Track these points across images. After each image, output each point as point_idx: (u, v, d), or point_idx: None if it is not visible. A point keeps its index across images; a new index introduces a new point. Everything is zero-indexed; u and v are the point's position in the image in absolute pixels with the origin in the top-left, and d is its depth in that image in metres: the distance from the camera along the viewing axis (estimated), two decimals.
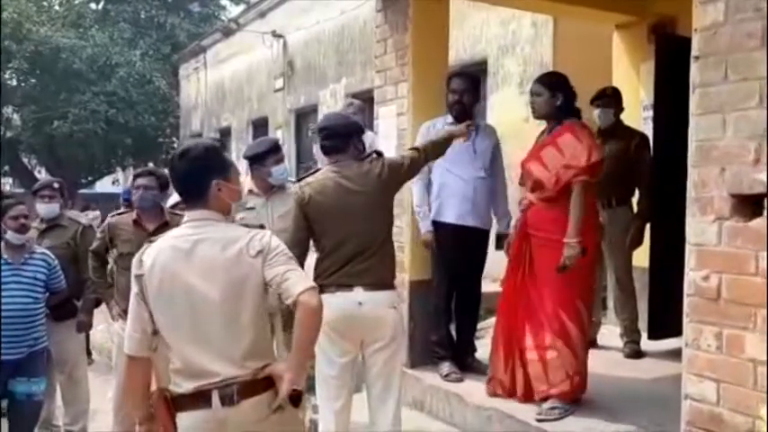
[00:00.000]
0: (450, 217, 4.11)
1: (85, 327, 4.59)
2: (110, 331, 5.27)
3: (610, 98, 4.64)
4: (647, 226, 4.50)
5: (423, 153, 3.38)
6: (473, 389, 3.91)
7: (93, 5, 21.30)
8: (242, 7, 18.27)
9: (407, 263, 4.32)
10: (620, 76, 5.47)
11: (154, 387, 2.36)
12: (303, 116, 11.72)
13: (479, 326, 4.71)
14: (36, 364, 3.98)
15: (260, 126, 13.04)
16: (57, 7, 19.96)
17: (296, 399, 2.20)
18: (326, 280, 3.15)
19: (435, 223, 4.15)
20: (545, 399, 3.50)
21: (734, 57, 2.42)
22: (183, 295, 2.21)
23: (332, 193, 3.18)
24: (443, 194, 4.12)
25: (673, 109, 3.60)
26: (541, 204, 3.58)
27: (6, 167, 19.99)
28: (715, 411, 2.49)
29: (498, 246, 4.22)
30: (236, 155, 10.79)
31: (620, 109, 4.67)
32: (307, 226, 3.23)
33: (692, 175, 2.56)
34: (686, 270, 2.59)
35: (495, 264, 4.30)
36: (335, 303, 3.09)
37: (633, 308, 4.66)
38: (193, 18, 21.36)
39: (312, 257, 3.31)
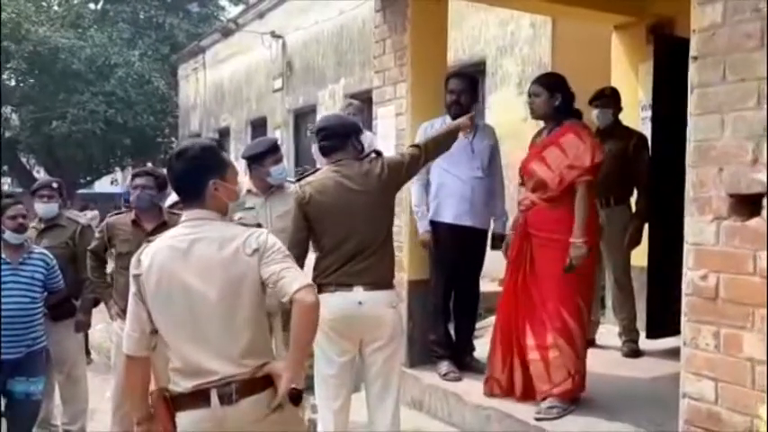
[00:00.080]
0: (447, 217, 4.11)
1: (84, 326, 4.59)
2: (108, 331, 5.28)
3: (608, 98, 4.65)
4: (646, 225, 4.51)
5: (424, 150, 3.35)
6: (472, 388, 3.91)
7: (91, 6, 21.32)
8: (241, 8, 18.29)
9: (406, 262, 4.33)
10: (619, 77, 5.48)
11: (153, 387, 2.37)
12: (302, 116, 11.73)
13: (478, 325, 4.72)
14: (34, 364, 3.98)
15: (259, 126, 13.04)
16: (55, 7, 19.98)
17: (296, 397, 2.21)
18: (326, 279, 3.15)
19: (433, 223, 4.16)
20: (545, 398, 3.51)
21: (732, 57, 2.42)
22: (180, 294, 2.22)
23: (332, 192, 3.18)
24: (441, 194, 4.13)
25: (671, 109, 3.60)
26: (544, 204, 3.58)
27: (5, 167, 19.98)
28: (713, 410, 2.49)
29: (494, 246, 4.23)
30: (235, 155, 10.78)
31: (618, 109, 4.68)
32: (307, 226, 3.23)
33: (691, 175, 2.57)
34: (684, 269, 2.59)
35: (494, 263, 4.30)
36: (335, 303, 3.10)
37: (631, 307, 4.67)
38: (192, 18, 21.39)
39: (312, 257, 3.31)
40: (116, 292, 4.08)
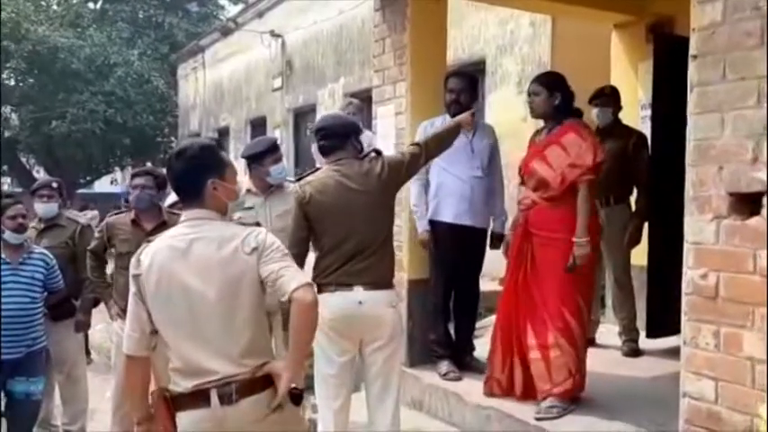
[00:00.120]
0: (447, 216, 4.11)
1: (84, 326, 4.59)
2: (108, 331, 5.28)
3: (608, 97, 4.65)
4: (646, 224, 4.51)
5: (424, 148, 3.34)
6: (472, 388, 3.91)
7: (91, 5, 21.31)
8: (240, 7, 18.30)
9: (406, 262, 4.33)
10: (619, 76, 5.47)
11: (153, 387, 2.37)
12: (301, 116, 11.73)
13: (478, 325, 4.71)
14: (34, 364, 3.98)
15: (258, 126, 13.04)
16: (55, 7, 19.95)
17: (297, 397, 2.21)
18: (326, 279, 3.15)
19: (433, 222, 4.15)
20: (546, 398, 3.51)
21: (732, 56, 2.42)
22: (180, 294, 2.22)
23: (333, 191, 3.17)
24: (441, 194, 4.13)
25: (671, 108, 3.60)
26: (544, 203, 3.58)
27: (5, 167, 19.98)
28: (713, 410, 2.49)
29: (493, 245, 4.23)
30: (235, 154, 10.78)
31: (618, 108, 4.68)
32: (307, 225, 3.23)
33: (690, 174, 2.57)
34: (684, 268, 2.59)
35: (494, 263, 4.30)
36: (335, 302, 3.10)
37: (631, 306, 4.67)
38: (192, 18, 21.38)
39: (312, 256, 3.31)
40: (116, 292, 4.08)
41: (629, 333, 4.63)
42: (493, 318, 4.28)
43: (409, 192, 4.17)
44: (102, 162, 20.98)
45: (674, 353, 3.35)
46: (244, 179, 3.98)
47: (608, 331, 4.91)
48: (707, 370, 2.51)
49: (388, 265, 3.24)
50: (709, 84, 2.49)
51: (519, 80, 6.91)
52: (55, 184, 4.72)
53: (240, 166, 3.97)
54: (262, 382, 2.22)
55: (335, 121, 3.46)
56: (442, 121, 4.03)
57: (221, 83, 14.69)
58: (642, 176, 4.50)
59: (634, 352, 4.56)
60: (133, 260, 2.31)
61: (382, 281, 3.19)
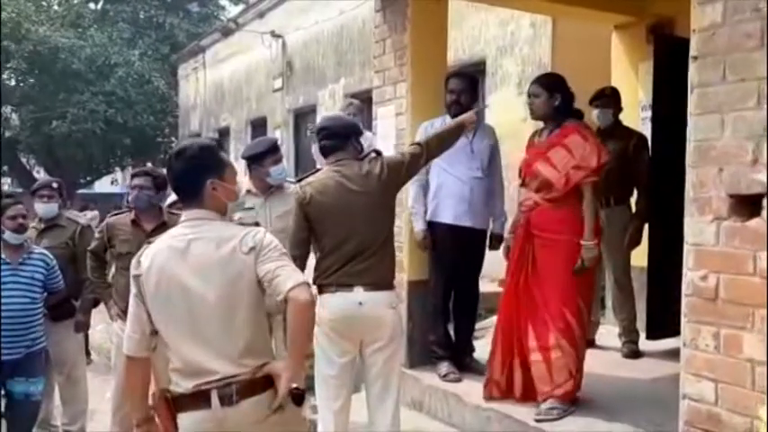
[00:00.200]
0: (446, 217, 4.11)
1: (83, 327, 4.59)
2: (108, 331, 5.28)
3: (608, 98, 4.65)
4: (646, 226, 4.51)
5: (426, 148, 3.33)
6: (471, 389, 3.91)
7: (91, 5, 21.32)
8: (241, 7, 18.28)
9: (406, 263, 4.33)
10: (619, 77, 5.47)
11: (153, 388, 2.36)
12: (302, 116, 11.73)
13: (478, 326, 4.71)
14: (34, 365, 3.98)
15: (258, 126, 13.04)
16: (55, 7, 19.96)
17: (298, 397, 2.21)
18: (326, 279, 3.16)
19: (432, 223, 4.15)
20: (546, 399, 3.50)
21: (732, 57, 2.42)
22: (179, 295, 2.22)
23: (333, 192, 3.17)
24: (440, 195, 4.12)
25: (671, 109, 3.60)
26: (547, 205, 3.58)
27: (5, 167, 19.98)
28: (713, 411, 2.49)
29: (492, 246, 4.23)
30: (235, 155, 10.78)
31: (618, 109, 4.68)
32: (307, 226, 3.23)
33: (691, 176, 2.56)
34: (684, 270, 2.59)
35: (494, 264, 4.30)
36: (335, 303, 3.10)
37: (631, 308, 4.67)
38: (192, 18, 21.38)
39: (313, 258, 3.31)
40: (116, 293, 4.08)
41: (629, 334, 4.63)
42: (493, 319, 4.28)
43: (408, 192, 4.17)
44: (103, 162, 20.99)
45: (673, 354, 3.34)
46: (244, 180, 3.98)
47: (608, 332, 4.90)
48: (707, 371, 2.51)
49: (388, 265, 3.24)
50: (710, 85, 2.49)
51: (519, 81, 6.91)
52: (55, 185, 4.72)
53: (240, 166, 3.97)
54: (262, 382, 2.22)
55: (337, 121, 3.46)
56: (442, 122, 4.03)
57: (222, 83, 14.70)
58: (642, 178, 4.49)
59: (634, 353, 4.56)
60: (134, 261, 2.31)
61: (383, 282, 3.19)
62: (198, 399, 2.20)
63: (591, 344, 4.37)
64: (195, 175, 2.28)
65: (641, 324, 4.63)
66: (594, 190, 3.54)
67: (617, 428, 3.36)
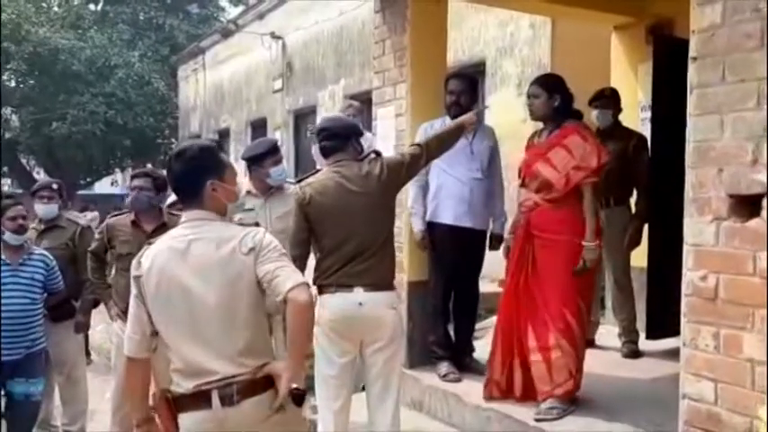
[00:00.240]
0: (446, 218, 4.11)
1: (83, 327, 4.59)
2: (108, 332, 5.28)
3: (608, 99, 4.65)
4: (645, 226, 4.51)
5: (426, 149, 3.33)
6: (471, 389, 3.91)
7: (91, 7, 21.33)
8: (241, 8, 18.28)
9: (406, 263, 4.33)
10: (619, 78, 5.48)
11: (153, 388, 2.37)
12: (302, 117, 11.73)
13: (477, 326, 4.71)
14: (34, 365, 3.98)
15: (258, 127, 13.04)
16: (55, 8, 19.97)
17: (299, 398, 2.21)
18: (326, 280, 3.16)
19: (432, 224, 4.16)
20: (546, 399, 3.50)
21: (731, 58, 2.42)
22: (179, 295, 2.22)
23: (333, 193, 3.18)
24: (440, 195, 4.13)
25: (670, 110, 3.61)
26: (547, 205, 3.58)
27: (5, 168, 19.98)
28: (713, 411, 2.49)
29: (492, 247, 4.23)
30: (235, 156, 10.79)
31: (618, 110, 4.68)
32: (307, 227, 3.23)
33: (690, 176, 2.57)
34: (684, 270, 2.59)
35: (494, 264, 4.30)
36: (335, 303, 3.11)
37: (631, 308, 4.67)
38: (192, 19, 21.39)
39: (313, 259, 3.31)
40: (116, 294, 4.08)
41: (629, 334, 4.63)
42: (492, 319, 4.28)
43: (408, 193, 4.17)
44: (103, 163, 20.98)
45: (673, 354, 3.35)
46: (244, 181, 3.98)
47: (608, 333, 4.91)
48: (706, 371, 2.51)
49: (388, 266, 3.24)
50: (709, 85, 2.49)
51: (519, 82, 6.91)
52: (55, 186, 4.73)
53: (240, 167, 3.97)
54: (263, 383, 2.22)
55: (337, 122, 3.47)
56: (442, 123, 4.03)
57: (222, 84, 14.70)
58: (642, 178, 4.50)
59: (634, 353, 4.56)
60: (134, 262, 2.31)
61: (382, 282, 3.19)
62: (199, 399, 2.20)
63: (591, 344, 4.37)
64: (195, 176, 2.28)
65: (641, 324, 4.64)
66: (594, 190, 3.55)
67: (617, 428, 3.36)
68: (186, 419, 2.23)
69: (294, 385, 2.18)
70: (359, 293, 3.11)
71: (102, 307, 4.46)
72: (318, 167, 3.65)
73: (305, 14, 11.25)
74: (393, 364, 3.25)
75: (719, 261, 2.47)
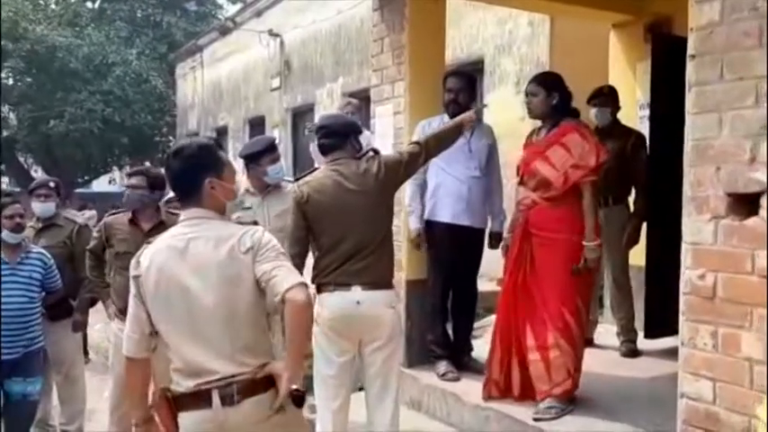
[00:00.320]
0: (445, 216, 4.11)
1: (81, 326, 4.58)
2: (106, 331, 5.27)
3: (606, 97, 4.64)
4: (644, 225, 4.51)
5: (424, 147, 3.32)
6: (470, 388, 3.91)
7: (89, 4, 21.30)
8: (238, 6, 18.26)
9: (404, 262, 4.33)
10: (617, 76, 5.47)
11: (152, 388, 2.36)
12: (300, 115, 11.72)
13: (476, 325, 4.71)
14: (32, 364, 3.97)
15: (257, 125, 13.03)
16: (53, 6, 19.94)
17: (299, 399, 2.20)
18: (325, 279, 3.16)
19: (430, 223, 4.15)
20: (545, 398, 3.50)
21: (730, 56, 2.42)
22: (178, 295, 2.21)
23: (330, 191, 3.17)
24: (438, 194, 4.12)
25: (669, 108, 3.60)
26: (545, 204, 3.58)
27: (3, 166, 19.95)
28: (711, 410, 2.49)
29: (491, 245, 4.23)
30: (233, 154, 10.77)
31: (616, 108, 4.68)
32: (306, 225, 3.23)
33: (689, 174, 2.57)
34: (682, 269, 2.59)
35: (492, 263, 4.30)
36: (334, 302, 3.10)
37: (630, 307, 4.67)
38: (190, 17, 21.37)
39: (312, 257, 3.31)
40: (114, 292, 4.07)
41: (628, 333, 4.63)
42: (491, 318, 4.27)
43: (405, 191, 4.16)
44: (101, 161, 20.97)
45: (672, 353, 3.34)
46: (242, 179, 3.97)
47: (606, 332, 4.90)
48: (705, 370, 2.51)
49: (386, 265, 3.24)
50: (707, 84, 2.49)
51: (517, 80, 6.91)
52: (52, 184, 4.71)
53: (239, 165, 3.96)
54: (263, 382, 2.21)
55: (336, 120, 3.47)
56: (440, 121, 4.03)
57: (219, 82, 14.68)
58: (640, 177, 4.49)
59: (632, 352, 4.56)
60: (133, 261, 2.30)
61: (381, 281, 3.18)
62: (199, 398, 2.19)
63: (589, 343, 4.37)
64: (193, 174, 2.27)
65: (639, 323, 4.64)
66: (594, 189, 3.54)
67: (615, 427, 3.36)
68: (186, 419, 2.22)
69: (294, 386, 2.18)
70: (357, 292, 3.11)
71: (100, 306, 4.45)
72: (317, 165, 3.64)
73: (303, 12, 11.24)
74: (392, 364, 3.25)
75: (718, 260, 2.47)
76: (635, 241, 4.56)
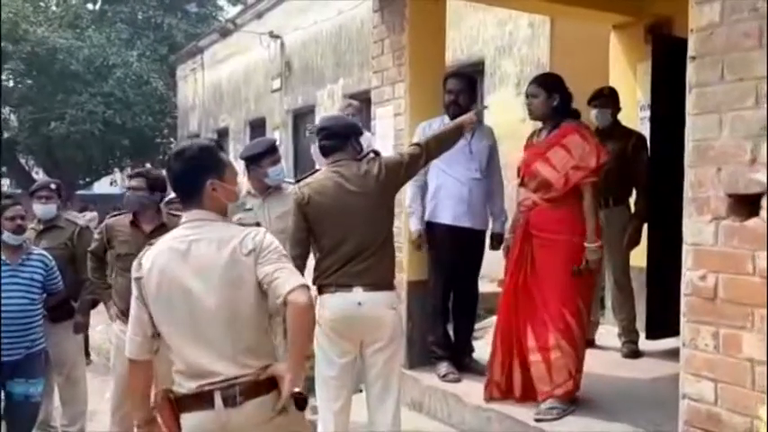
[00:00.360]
0: (445, 218, 4.11)
1: (82, 327, 4.59)
2: (108, 332, 5.27)
3: (607, 98, 4.65)
4: (645, 226, 4.51)
5: (425, 148, 3.32)
6: (471, 389, 3.91)
7: (90, 6, 21.29)
8: (239, 8, 18.28)
9: (405, 263, 4.33)
10: (617, 77, 5.48)
11: (154, 389, 2.36)
12: (300, 117, 11.72)
13: (477, 326, 4.71)
14: (33, 366, 3.98)
15: (257, 127, 13.03)
16: (54, 8, 19.93)
17: (301, 402, 2.20)
18: (326, 280, 3.16)
19: (431, 224, 4.16)
20: (546, 399, 3.50)
21: (730, 57, 2.42)
22: (181, 297, 2.21)
23: (331, 193, 3.17)
24: (439, 195, 4.13)
25: (669, 109, 3.60)
26: (546, 205, 3.58)
27: (4, 168, 19.95)
28: (713, 411, 2.49)
29: (493, 246, 4.23)
30: (234, 155, 10.77)
31: (617, 109, 4.68)
32: (306, 227, 3.23)
33: (689, 175, 2.57)
34: (683, 270, 2.59)
35: (493, 264, 4.30)
36: (335, 303, 3.10)
37: (631, 308, 4.67)
38: (191, 19, 21.36)
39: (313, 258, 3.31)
40: (115, 294, 4.07)
41: (629, 334, 4.63)
42: (492, 319, 4.27)
43: (406, 193, 4.17)
44: (102, 163, 20.97)
45: (673, 354, 3.34)
46: (243, 180, 3.98)
47: (607, 333, 4.91)
48: (706, 371, 2.51)
49: (387, 266, 3.24)
50: (708, 85, 2.49)
51: (518, 81, 6.91)
52: (53, 186, 4.72)
53: (240, 167, 3.96)
54: (266, 384, 2.21)
55: (337, 121, 3.47)
56: (441, 122, 4.03)
57: (220, 84, 14.69)
58: (641, 178, 4.49)
59: (634, 353, 4.56)
60: (134, 263, 2.30)
61: (382, 282, 3.18)
62: (201, 399, 2.19)
63: (591, 344, 4.37)
64: (195, 176, 2.27)
65: (641, 324, 4.64)
66: (594, 190, 3.54)
67: (617, 428, 3.36)
68: (188, 420, 2.22)
69: (297, 389, 2.18)
70: (358, 293, 3.11)
71: (101, 307, 4.46)
72: (318, 167, 3.64)
73: (303, 14, 11.24)
74: (393, 365, 3.25)
75: (719, 260, 2.47)
76: (636, 242, 4.56)
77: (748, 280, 2.38)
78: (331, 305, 3.12)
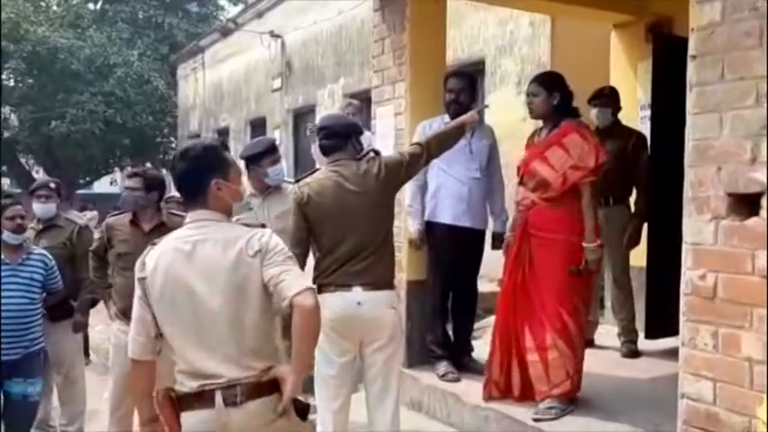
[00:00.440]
0: (445, 218, 4.11)
1: (81, 327, 4.58)
2: (107, 331, 5.27)
3: (607, 97, 4.64)
4: (645, 225, 4.50)
5: (426, 148, 3.31)
6: (470, 389, 3.91)
7: (90, 5, 21.31)
8: (240, 7, 18.29)
9: (405, 263, 4.33)
10: (618, 76, 5.48)
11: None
12: (301, 116, 11.72)
13: (476, 326, 4.71)
14: (32, 365, 3.97)
15: (258, 126, 13.03)
16: (54, 7, 19.94)
17: (302, 411, 2.19)
18: (326, 279, 3.15)
19: (431, 224, 4.15)
20: (544, 399, 3.50)
21: (730, 56, 2.42)
22: (185, 298, 2.20)
23: (331, 193, 3.17)
24: (439, 195, 4.12)
25: (670, 108, 3.59)
26: (544, 204, 3.58)
27: (4, 167, 19.96)
28: (712, 410, 2.49)
29: (494, 246, 4.23)
30: (234, 155, 10.74)
31: (617, 108, 4.68)
32: (306, 226, 3.22)
33: (689, 175, 2.57)
34: (683, 269, 2.59)
35: (492, 264, 4.30)
36: (334, 303, 3.10)
37: (630, 307, 4.66)
38: (191, 18, 21.37)
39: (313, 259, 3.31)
40: (115, 293, 4.07)
41: (628, 334, 4.63)
42: (491, 319, 4.27)
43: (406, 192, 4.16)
44: (102, 163, 20.97)
45: (673, 354, 3.33)
46: (243, 180, 3.97)
47: (607, 332, 4.90)
48: (705, 371, 2.51)
49: (387, 265, 3.24)
50: (708, 84, 2.49)
51: (518, 80, 6.90)
52: (53, 185, 4.72)
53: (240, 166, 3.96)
54: (268, 385, 2.19)
55: (338, 121, 3.47)
56: (441, 122, 4.03)
57: (221, 83, 14.69)
58: (641, 177, 4.49)
59: (633, 353, 4.56)
60: (138, 263, 2.28)
61: (381, 282, 3.18)
62: (202, 398, 2.18)
63: (590, 343, 4.37)
64: (199, 176, 2.25)
65: (640, 324, 4.63)
66: (593, 190, 3.54)
67: (616, 428, 3.36)
68: (189, 418, 2.21)
69: (299, 397, 2.17)
70: (358, 293, 3.11)
71: (101, 306, 4.46)
72: (318, 166, 3.64)
73: (304, 13, 11.24)
74: (392, 364, 3.25)
75: (718, 260, 2.46)
76: (636, 242, 4.55)
77: (748, 279, 2.37)
78: (330, 304, 3.11)
